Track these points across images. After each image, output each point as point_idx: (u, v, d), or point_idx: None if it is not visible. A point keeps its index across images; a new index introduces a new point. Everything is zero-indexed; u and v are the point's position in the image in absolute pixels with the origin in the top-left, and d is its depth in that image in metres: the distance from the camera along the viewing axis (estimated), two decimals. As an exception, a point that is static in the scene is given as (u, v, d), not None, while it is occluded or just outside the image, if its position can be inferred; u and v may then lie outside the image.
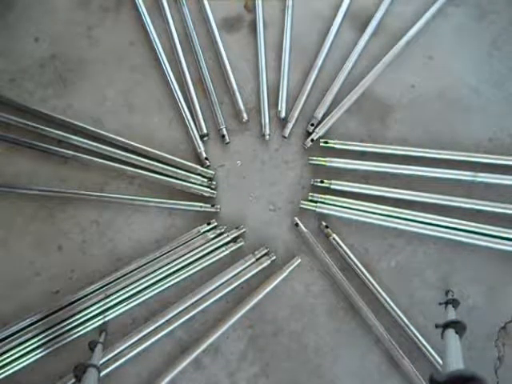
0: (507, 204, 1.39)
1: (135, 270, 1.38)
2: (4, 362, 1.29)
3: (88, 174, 1.48)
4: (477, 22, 1.61)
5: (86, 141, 1.46)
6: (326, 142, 1.47)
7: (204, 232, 1.43)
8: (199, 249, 1.41)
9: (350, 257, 1.41)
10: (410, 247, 1.44)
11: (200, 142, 1.49)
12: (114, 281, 1.37)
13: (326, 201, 1.44)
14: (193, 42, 1.58)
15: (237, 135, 1.54)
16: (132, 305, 1.36)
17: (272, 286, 1.38)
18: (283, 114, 1.51)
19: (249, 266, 1.41)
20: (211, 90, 1.53)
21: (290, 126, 1.50)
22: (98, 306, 1.35)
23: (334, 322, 1.40)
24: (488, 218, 1.40)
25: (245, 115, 1.51)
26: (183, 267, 1.40)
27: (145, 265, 1.39)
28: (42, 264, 1.42)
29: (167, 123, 1.54)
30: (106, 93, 1.55)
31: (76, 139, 1.46)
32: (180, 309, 1.35)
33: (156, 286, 1.38)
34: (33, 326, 1.32)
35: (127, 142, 1.47)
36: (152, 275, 1.38)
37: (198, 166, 1.47)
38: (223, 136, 1.51)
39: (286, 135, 1.50)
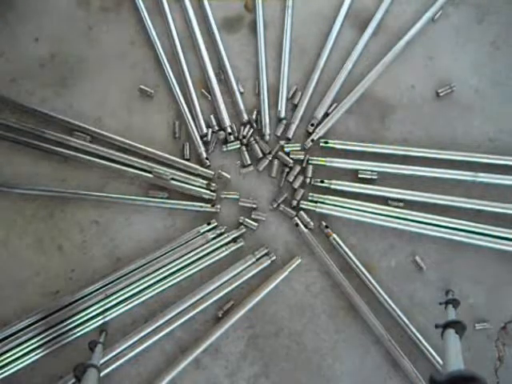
0: (507, 204, 1.39)
1: (135, 270, 1.39)
2: (4, 362, 1.30)
3: (88, 174, 1.48)
4: (477, 21, 1.60)
5: (85, 142, 1.46)
6: (326, 142, 1.47)
7: (204, 232, 1.43)
8: (199, 249, 1.41)
9: (350, 257, 1.41)
10: (410, 247, 1.44)
11: (200, 142, 1.49)
12: (114, 281, 1.38)
13: (326, 201, 1.44)
14: (193, 41, 1.58)
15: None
16: (132, 305, 1.37)
17: (272, 286, 1.39)
18: (283, 114, 1.51)
19: (249, 266, 1.41)
20: (211, 90, 1.53)
21: (293, 127, 1.50)
22: (97, 306, 1.35)
23: (334, 322, 1.40)
24: (488, 218, 1.40)
25: (245, 115, 1.51)
26: (183, 267, 1.40)
27: (145, 265, 1.39)
28: (42, 264, 1.43)
29: (167, 123, 1.54)
30: (106, 93, 1.55)
31: (76, 140, 1.46)
32: (180, 309, 1.36)
33: (156, 286, 1.38)
34: (33, 326, 1.32)
35: (127, 141, 1.47)
36: (152, 275, 1.38)
37: (198, 167, 1.47)
38: (225, 138, 1.51)
39: (290, 136, 1.50)
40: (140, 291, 1.37)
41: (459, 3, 1.62)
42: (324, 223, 1.44)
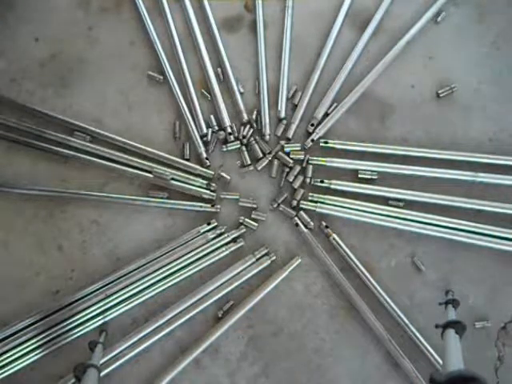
0: (507, 204, 1.39)
1: (135, 270, 1.39)
2: (4, 362, 1.30)
3: (88, 174, 1.48)
4: (477, 22, 1.60)
5: (85, 142, 1.46)
6: (326, 142, 1.47)
7: (204, 232, 1.43)
8: (199, 249, 1.41)
9: (350, 257, 1.41)
10: (410, 247, 1.44)
11: (200, 142, 1.49)
12: (114, 281, 1.38)
13: (326, 201, 1.44)
14: (193, 41, 1.58)
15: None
16: (132, 305, 1.37)
17: (272, 286, 1.39)
18: (283, 114, 1.51)
19: (249, 266, 1.41)
20: (211, 90, 1.53)
21: (293, 127, 1.50)
22: (97, 306, 1.35)
23: (334, 322, 1.40)
24: (488, 218, 1.40)
25: (245, 115, 1.51)
26: (183, 267, 1.40)
27: (145, 265, 1.39)
28: (42, 264, 1.43)
29: (167, 123, 1.54)
30: (106, 93, 1.55)
31: (76, 140, 1.46)
32: (180, 309, 1.36)
33: (156, 286, 1.38)
34: (33, 326, 1.32)
35: (127, 141, 1.47)
36: (152, 275, 1.38)
37: (198, 167, 1.47)
38: (224, 138, 1.51)
39: (290, 136, 1.50)
40: (140, 291, 1.37)
41: (459, 3, 1.62)
42: (324, 223, 1.44)
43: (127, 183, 1.49)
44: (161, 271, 1.38)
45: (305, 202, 1.45)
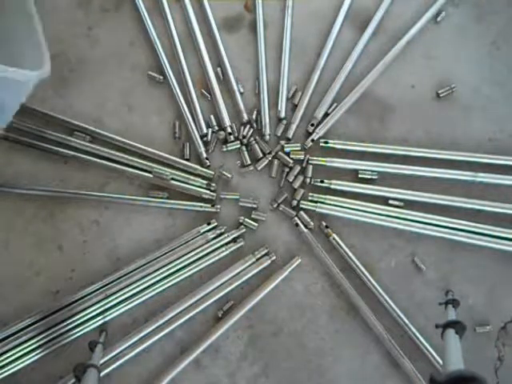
0: (507, 204, 1.39)
1: (135, 270, 1.38)
2: (4, 362, 1.30)
3: (88, 174, 1.48)
4: (477, 21, 1.60)
5: (85, 142, 1.46)
6: (326, 142, 1.47)
7: (204, 232, 1.43)
8: (199, 249, 1.41)
9: (350, 257, 1.41)
10: (410, 247, 1.44)
11: (200, 142, 1.49)
12: (114, 281, 1.38)
13: (326, 201, 1.44)
14: (193, 41, 1.58)
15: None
16: (132, 305, 1.37)
17: (272, 286, 1.39)
18: (283, 114, 1.51)
19: (249, 266, 1.41)
20: (211, 90, 1.53)
21: (293, 127, 1.50)
22: (97, 306, 1.35)
23: (334, 322, 1.40)
24: (488, 218, 1.40)
25: (245, 115, 1.51)
26: (183, 267, 1.40)
27: (145, 265, 1.39)
28: (42, 264, 1.43)
29: (167, 123, 1.54)
30: (106, 93, 1.55)
31: (76, 140, 1.46)
32: (180, 309, 1.36)
33: (156, 286, 1.38)
34: (33, 326, 1.32)
35: (127, 141, 1.47)
36: (152, 275, 1.38)
37: (198, 167, 1.47)
38: (224, 138, 1.51)
39: (290, 136, 1.50)
40: (140, 291, 1.37)
41: (459, 3, 1.62)
42: (324, 223, 1.44)
43: (127, 183, 1.49)
44: (161, 271, 1.38)
45: (305, 202, 1.45)
